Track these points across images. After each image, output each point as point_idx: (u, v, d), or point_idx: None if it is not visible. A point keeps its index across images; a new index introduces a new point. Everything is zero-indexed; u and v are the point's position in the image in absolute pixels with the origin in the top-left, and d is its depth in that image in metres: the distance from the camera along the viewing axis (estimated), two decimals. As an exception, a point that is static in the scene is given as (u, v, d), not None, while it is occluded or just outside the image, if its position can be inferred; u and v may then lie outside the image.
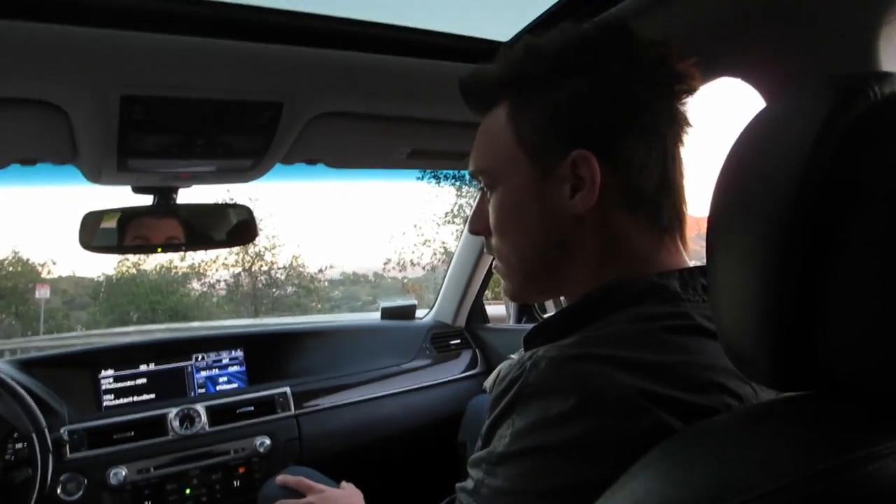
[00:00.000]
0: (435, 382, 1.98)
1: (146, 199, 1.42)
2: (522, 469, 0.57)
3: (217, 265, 16.63)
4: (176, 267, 16.58)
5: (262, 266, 16.67)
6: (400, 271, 16.76)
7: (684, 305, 0.63)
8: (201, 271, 16.81)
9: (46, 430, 1.37)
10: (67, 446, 1.44)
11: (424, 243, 15.96)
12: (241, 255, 16.34)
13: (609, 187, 0.66)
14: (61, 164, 1.17)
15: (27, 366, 1.58)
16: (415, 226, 17.04)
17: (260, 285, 16.81)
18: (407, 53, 1.02)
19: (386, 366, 1.96)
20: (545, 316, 2.04)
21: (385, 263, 16.91)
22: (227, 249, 16.19)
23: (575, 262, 0.69)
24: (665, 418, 0.54)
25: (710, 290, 0.52)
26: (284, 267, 16.74)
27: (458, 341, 2.14)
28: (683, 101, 0.69)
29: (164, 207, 1.41)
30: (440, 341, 2.11)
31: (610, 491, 0.50)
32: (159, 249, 1.42)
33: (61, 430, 1.45)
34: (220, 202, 1.64)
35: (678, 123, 0.69)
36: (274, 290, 16.73)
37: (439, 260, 15.68)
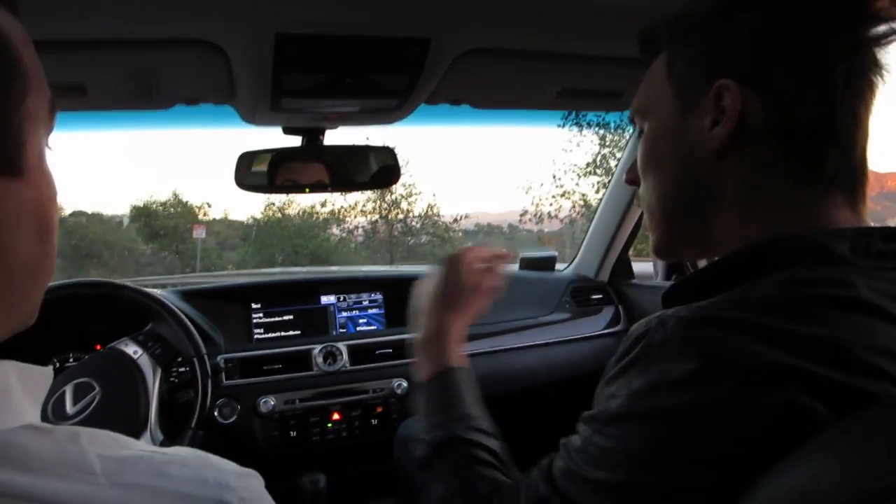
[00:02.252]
0: (574, 337, 1.96)
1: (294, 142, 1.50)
2: (633, 433, 0.55)
3: (356, 212, 17.49)
4: (317, 212, 17.66)
5: (398, 214, 17.30)
6: (536, 224, 16.64)
7: (851, 272, 0.56)
8: (341, 217, 17.76)
9: (206, 356, 1.52)
10: (223, 373, 1.60)
11: (563, 195, 15.63)
12: (378, 202, 17.03)
13: (754, 122, 0.62)
14: (220, 104, 1.26)
15: (188, 296, 1.76)
16: (553, 176, 16.68)
17: (396, 233, 17.47)
18: (562, -18, 0.97)
19: (523, 317, 1.97)
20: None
21: (521, 215, 16.86)
22: (366, 196, 16.93)
23: (719, 208, 0.66)
24: (803, 398, 0.49)
25: None
26: (420, 215, 17.26)
27: (599, 296, 2.10)
28: (879, 44, 0.61)
29: (312, 149, 1.48)
30: (581, 295, 2.08)
31: (765, 478, 0.46)
32: (307, 190, 1.49)
33: (218, 358, 1.61)
34: (365, 145, 1.70)
35: (861, 67, 0.61)
36: (409, 238, 17.33)
37: (578, 213, 15.38)
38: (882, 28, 0.60)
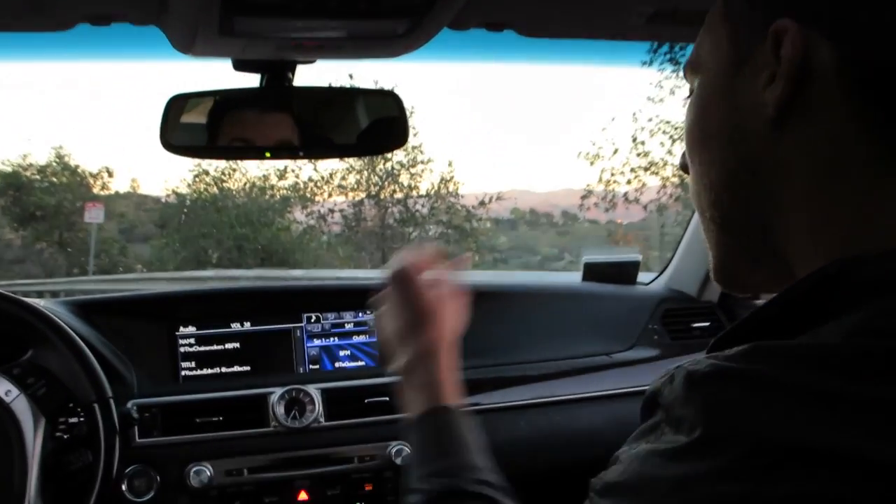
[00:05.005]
0: (665, 385, 1.96)
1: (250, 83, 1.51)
2: None
3: (331, 187, 17.43)
4: (272, 186, 17.63)
5: (394, 192, 17.25)
6: (606, 211, 16.57)
7: None
8: (308, 195, 17.72)
9: (111, 401, 1.54)
10: (136, 428, 1.61)
11: (648, 169, 15.51)
12: (365, 173, 16.98)
13: (825, 80, 0.63)
14: (142, 24, 1.27)
15: (85, 311, 1.78)
16: (634, 140, 16.53)
17: (391, 221, 17.41)
18: None
19: (588, 353, 1.98)
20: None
21: (583, 198, 16.77)
22: (347, 164, 16.93)
23: (780, 207, 0.69)
24: (834, 488, 0.50)
25: None
26: (428, 194, 17.18)
27: (705, 324, 2.11)
28: None
29: (276, 92, 1.49)
30: (677, 322, 2.10)
31: None
32: (267, 154, 1.51)
33: (129, 405, 1.62)
34: (351, 87, 1.71)
35: None
36: (411, 229, 17.26)
37: (671, 197, 15.28)
38: None
